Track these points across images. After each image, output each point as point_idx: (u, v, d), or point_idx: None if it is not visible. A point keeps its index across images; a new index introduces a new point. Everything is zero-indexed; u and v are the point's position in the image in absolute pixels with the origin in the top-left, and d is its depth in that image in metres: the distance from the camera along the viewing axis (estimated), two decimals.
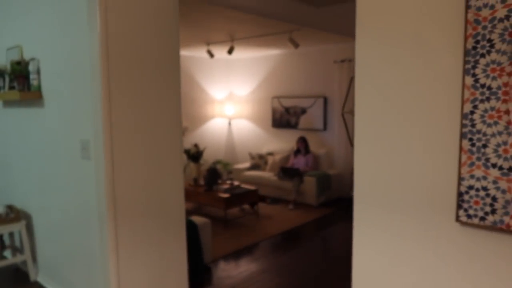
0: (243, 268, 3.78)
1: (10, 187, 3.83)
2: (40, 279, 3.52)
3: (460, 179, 1.38)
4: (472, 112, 1.34)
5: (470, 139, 1.35)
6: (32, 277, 3.53)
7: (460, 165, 1.38)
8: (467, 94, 1.35)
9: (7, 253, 3.86)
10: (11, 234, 3.76)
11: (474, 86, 1.33)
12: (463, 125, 1.36)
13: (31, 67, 3.08)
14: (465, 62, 1.34)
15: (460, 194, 1.38)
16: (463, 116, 1.36)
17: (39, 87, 3.09)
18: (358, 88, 1.67)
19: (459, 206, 1.39)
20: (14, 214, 3.40)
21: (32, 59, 3.09)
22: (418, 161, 1.50)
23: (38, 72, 3.08)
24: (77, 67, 2.66)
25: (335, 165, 6.49)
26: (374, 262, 1.68)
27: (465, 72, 1.34)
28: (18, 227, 3.41)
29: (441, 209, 1.45)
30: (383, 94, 1.58)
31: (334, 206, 5.95)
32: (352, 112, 5.15)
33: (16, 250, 3.72)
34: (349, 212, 5.82)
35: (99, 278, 2.71)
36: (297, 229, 4.97)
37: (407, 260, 1.56)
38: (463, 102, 1.36)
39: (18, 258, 3.52)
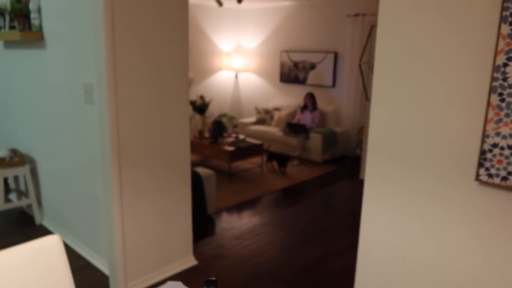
0: (246, 220, 3.81)
1: (14, 131, 3.80)
2: (45, 223, 3.56)
3: (484, 136, 1.30)
4: (505, 65, 1.24)
5: (500, 94, 1.25)
6: (38, 220, 3.57)
7: (486, 121, 1.29)
8: (501, 44, 1.24)
9: (13, 196, 3.89)
10: (16, 178, 3.77)
11: (510, 36, 1.21)
12: (493, 79, 1.26)
13: (32, 6, 2.93)
14: (503, 8, 1.22)
15: (482, 152, 1.31)
16: (495, 69, 1.25)
17: (40, 27, 2.96)
18: (380, 37, 1.56)
19: (480, 165, 1.32)
20: (18, 158, 3.38)
21: None
22: (439, 115, 1.41)
23: (39, 11, 2.94)
24: (79, 6, 2.52)
25: (342, 123, 6.40)
26: (384, 216, 1.64)
27: (502, 19, 1.22)
28: (22, 171, 3.40)
29: (459, 167, 1.39)
30: (407, 43, 1.47)
31: (339, 164, 5.92)
32: (369, 63, 4.96)
33: (21, 194, 3.75)
34: (354, 170, 5.75)
35: (103, 224, 2.73)
36: (301, 184, 4.98)
37: (419, 216, 1.52)
38: (496, 53, 1.25)
39: (24, 202, 3.55)
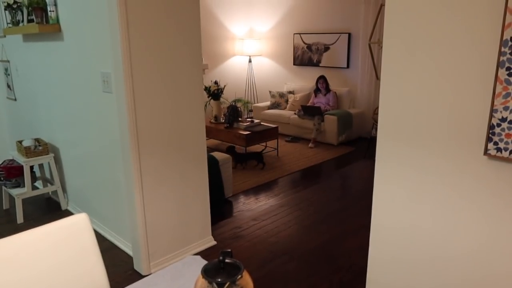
0: (263, 202, 3.89)
1: (37, 121, 3.94)
2: (71, 208, 3.72)
3: (493, 111, 1.32)
4: None
5: (508, 68, 1.26)
6: (63, 206, 3.73)
7: (494, 96, 1.31)
8: (509, 18, 1.24)
9: (39, 183, 4.05)
10: (41, 166, 3.92)
11: None
12: (501, 53, 1.27)
13: None
14: None
15: (491, 127, 1.33)
16: (503, 43, 1.26)
17: (57, 20, 3.04)
18: (388, 15, 1.57)
19: (489, 139, 1.34)
20: (42, 147, 3.52)
21: None
22: (448, 92, 1.43)
23: (55, 3, 3.02)
24: None
25: (357, 104, 6.38)
26: (394, 197, 1.68)
27: None
28: (47, 159, 3.54)
29: (468, 143, 1.41)
30: (415, 20, 1.48)
31: (355, 145, 5.93)
32: (379, 43, 4.92)
33: (47, 181, 3.90)
34: (370, 151, 5.73)
35: (125, 208, 2.84)
36: (317, 167, 5.02)
37: (429, 193, 1.56)
38: (504, 27, 1.26)
39: (49, 189, 3.70)
